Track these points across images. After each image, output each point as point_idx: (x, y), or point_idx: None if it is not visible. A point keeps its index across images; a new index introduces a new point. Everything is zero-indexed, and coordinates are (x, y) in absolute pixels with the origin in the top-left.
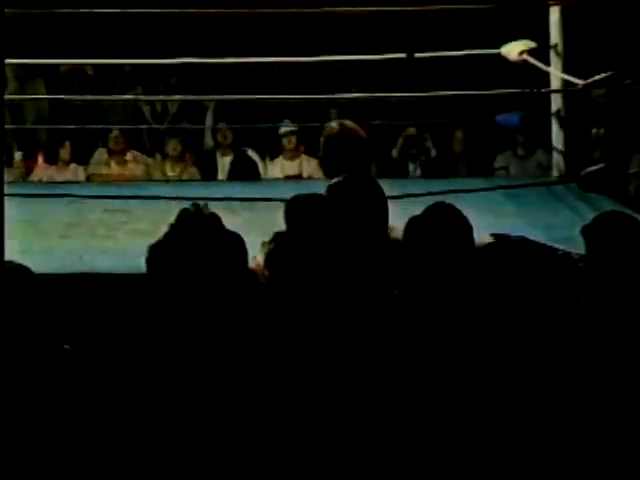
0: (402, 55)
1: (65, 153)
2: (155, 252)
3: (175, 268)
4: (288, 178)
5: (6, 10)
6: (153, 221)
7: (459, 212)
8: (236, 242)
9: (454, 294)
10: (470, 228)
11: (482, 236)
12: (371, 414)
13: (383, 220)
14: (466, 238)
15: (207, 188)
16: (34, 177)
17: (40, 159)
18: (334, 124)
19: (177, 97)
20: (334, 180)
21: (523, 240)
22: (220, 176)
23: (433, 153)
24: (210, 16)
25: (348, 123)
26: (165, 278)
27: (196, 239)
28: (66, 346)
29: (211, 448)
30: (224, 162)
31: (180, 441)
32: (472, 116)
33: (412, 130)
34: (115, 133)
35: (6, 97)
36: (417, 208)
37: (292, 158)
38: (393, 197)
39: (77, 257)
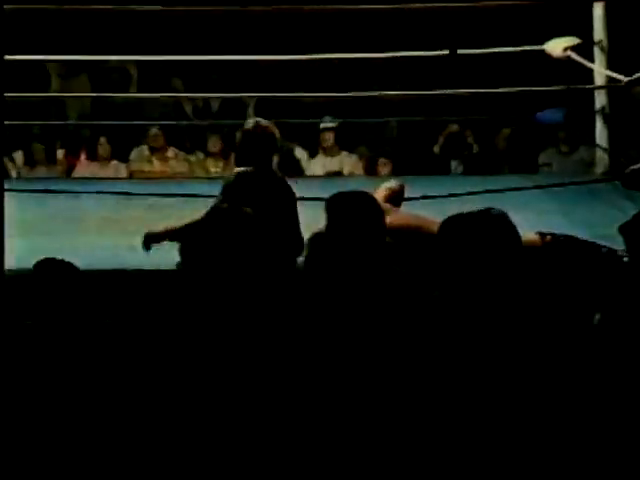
0: (445, 52)
1: (103, 150)
2: (187, 249)
3: (208, 265)
4: (329, 175)
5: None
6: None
7: (510, 222)
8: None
9: (497, 297)
10: (518, 238)
11: (526, 234)
12: (404, 413)
13: (290, 208)
14: (513, 249)
15: None
16: (77, 174)
17: (83, 156)
18: (251, 122)
19: (218, 94)
20: (242, 168)
21: (569, 238)
22: None
23: (475, 150)
24: (251, 13)
25: (263, 122)
26: (198, 276)
27: (230, 237)
28: (103, 342)
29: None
30: None
31: (220, 434)
32: (515, 113)
33: (454, 127)
34: (154, 130)
35: (46, 94)
36: (458, 206)
37: (333, 155)
38: (429, 197)
39: (114, 254)
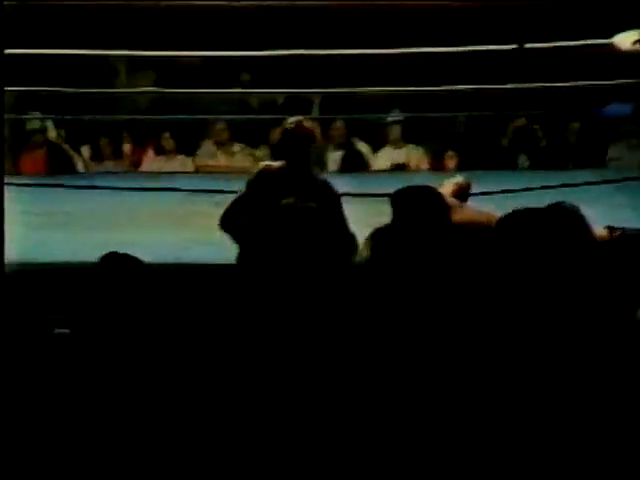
0: (513, 46)
1: (167, 144)
2: (254, 244)
3: (275, 259)
4: (394, 167)
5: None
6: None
7: (582, 216)
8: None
9: (567, 291)
10: (590, 232)
11: (595, 229)
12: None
13: (330, 206)
14: (585, 242)
15: None
16: (143, 168)
17: (150, 150)
18: (293, 120)
19: (284, 90)
20: (267, 162)
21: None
22: (330, 168)
23: (543, 144)
24: (318, 8)
25: (305, 122)
26: (264, 269)
27: (294, 232)
28: (172, 337)
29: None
30: (334, 155)
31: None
32: (583, 107)
33: (521, 121)
34: (220, 125)
35: (111, 90)
36: (526, 201)
37: (399, 147)
38: (496, 192)
39: (178, 248)
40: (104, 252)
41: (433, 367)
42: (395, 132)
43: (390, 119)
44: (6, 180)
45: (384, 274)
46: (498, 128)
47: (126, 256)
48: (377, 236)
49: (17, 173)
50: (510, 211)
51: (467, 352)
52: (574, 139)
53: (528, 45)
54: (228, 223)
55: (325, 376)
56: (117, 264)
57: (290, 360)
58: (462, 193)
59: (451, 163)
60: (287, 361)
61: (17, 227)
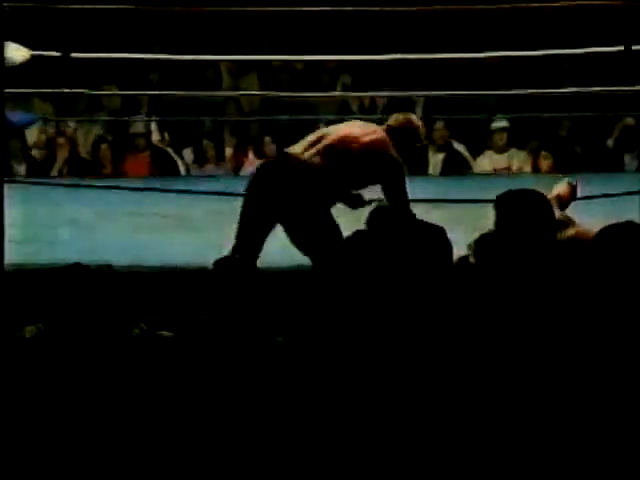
0: (620, 48)
1: (268, 149)
2: (351, 247)
3: (370, 264)
4: (497, 171)
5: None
6: (357, 217)
7: None
8: (439, 237)
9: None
10: None
11: None
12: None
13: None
14: None
15: (417, 183)
16: (244, 171)
17: (251, 153)
18: (400, 116)
19: (384, 93)
20: None
21: None
22: (430, 171)
23: None
24: (418, 12)
25: (412, 118)
26: (359, 273)
27: (391, 235)
28: (279, 338)
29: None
30: (436, 157)
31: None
32: None
33: (629, 120)
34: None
35: (214, 92)
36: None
37: (501, 151)
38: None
39: (285, 252)
40: (209, 254)
41: (537, 372)
42: (501, 138)
43: (495, 126)
44: (108, 183)
45: (489, 280)
46: (603, 129)
47: (238, 260)
48: (482, 242)
49: (121, 175)
50: (613, 222)
51: (569, 360)
52: None
53: (635, 47)
54: None
55: (429, 379)
56: (231, 268)
57: (394, 359)
58: (567, 200)
59: (545, 164)
60: (391, 360)
61: (122, 230)
